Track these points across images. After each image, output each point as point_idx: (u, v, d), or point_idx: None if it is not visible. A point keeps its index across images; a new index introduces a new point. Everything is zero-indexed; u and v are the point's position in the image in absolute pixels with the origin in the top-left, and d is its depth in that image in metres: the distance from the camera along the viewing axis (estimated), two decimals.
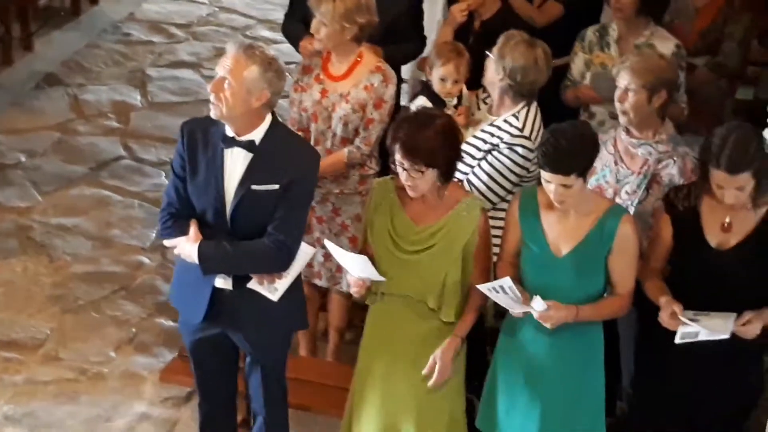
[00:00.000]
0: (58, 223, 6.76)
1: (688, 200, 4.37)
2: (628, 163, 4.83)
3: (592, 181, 4.85)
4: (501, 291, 4.20)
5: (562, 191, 4.15)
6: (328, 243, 4.41)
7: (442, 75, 5.25)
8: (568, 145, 4.12)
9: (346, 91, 5.16)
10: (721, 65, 5.97)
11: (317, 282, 5.45)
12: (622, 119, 4.80)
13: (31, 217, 6.79)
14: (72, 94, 8.13)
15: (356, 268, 4.39)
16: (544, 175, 4.17)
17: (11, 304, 6.07)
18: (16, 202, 6.89)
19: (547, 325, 4.21)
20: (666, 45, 5.51)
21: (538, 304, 4.18)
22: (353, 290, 4.48)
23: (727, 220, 4.28)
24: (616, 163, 4.83)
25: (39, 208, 6.87)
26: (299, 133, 5.11)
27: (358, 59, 5.19)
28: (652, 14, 5.57)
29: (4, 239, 6.56)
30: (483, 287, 4.25)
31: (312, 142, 5.19)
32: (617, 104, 4.78)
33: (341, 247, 4.80)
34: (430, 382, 4.41)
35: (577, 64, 5.68)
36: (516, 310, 4.26)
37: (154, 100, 8.19)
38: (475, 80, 5.28)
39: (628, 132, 4.82)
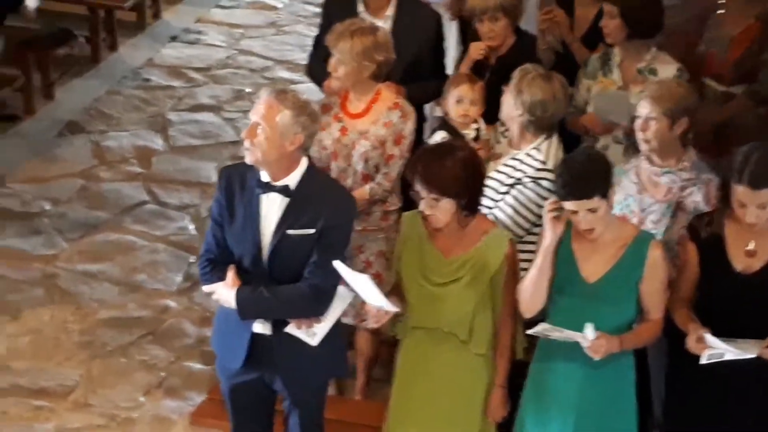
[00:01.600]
0: (83, 269, 6.78)
1: (711, 226, 4.36)
2: (651, 192, 4.82)
3: (615, 210, 4.84)
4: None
5: (590, 218, 4.16)
6: (336, 264, 4.41)
7: (457, 97, 5.28)
8: (583, 169, 4.14)
9: (366, 129, 5.18)
10: (759, 93, 5.89)
11: (343, 320, 5.44)
12: (644, 147, 4.79)
13: (56, 264, 6.81)
14: (94, 140, 8.17)
15: (366, 293, 4.38)
16: (569, 206, 4.17)
17: (40, 352, 6.08)
18: (42, 251, 6.91)
19: (596, 357, 4.19)
20: (668, 69, 5.52)
21: (590, 333, 4.16)
22: (371, 321, 4.48)
23: (752, 245, 4.27)
24: (639, 192, 4.84)
25: (64, 256, 6.89)
26: None
27: (377, 96, 5.22)
28: (644, 37, 5.55)
29: (30, 288, 6.58)
30: (534, 332, 4.27)
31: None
32: (639, 134, 4.78)
33: None
34: None
35: (581, 90, 5.68)
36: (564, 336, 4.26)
37: (175, 144, 8.22)
38: (492, 115, 5.28)
39: (650, 161, 4.82)
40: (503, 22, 5.61)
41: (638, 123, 4.77)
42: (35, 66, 8.49)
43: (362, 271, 5.28)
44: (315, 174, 4.41)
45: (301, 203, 4.30)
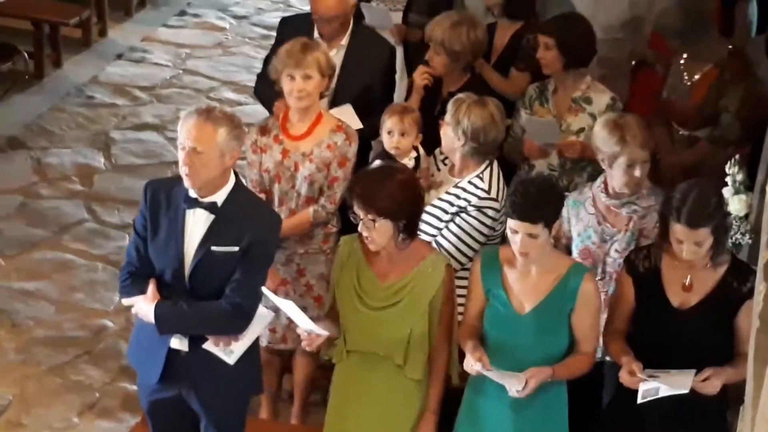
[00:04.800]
0: (20, 287, 6.71)
1: (648, 260, 4.41)
2: (612, 222, 4.88)
3: (577, 243, 4.92)
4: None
5: (528, 242, 4.18)
6: (264, 290, 4.40)
7: (388, 128, 5.29)
8: (538, 194, 4.17)
9: (309, 150, 5.18)
10: (722, 138, 5.94)
11: (282, 347, 5.43)
12: (625, 188, 4.81)
13: None
14: (35, 157, 8.10)
15: (295, 316, 4.38)
16: (511, 224, 4.20)
17: None
18: None
19: (525, 394, 4.20)
20: (602, 98, 5.61)
21: (518, 385, 4.19)
22: (303, 344, 4.47)
23: (688, 280, 4.32)
24: (599, 223, 4.89)
25: (1, 273, 6.81)
26: (261, 195, 5.13)
27: (319, 118, 5.22)
28: (579, 66, 5.63)
29: None
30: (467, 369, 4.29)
31: (276, 203, 5.21)
32: (622, 176, 4.79)
33: (306, 308, 4.81)
34: None
35: (519, 120, 5.73)
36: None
37: (118, 162, 8.18)
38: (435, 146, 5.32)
39: (607, 192, 4.86)
40: (443, 58, 5.66)
41: (622, 169, 4.78)
42: None
43: (303, 294, 5.30)
44: (242, 192, 4.41)
45: (226, 220, 4.29)
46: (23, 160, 8.06)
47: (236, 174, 4.39)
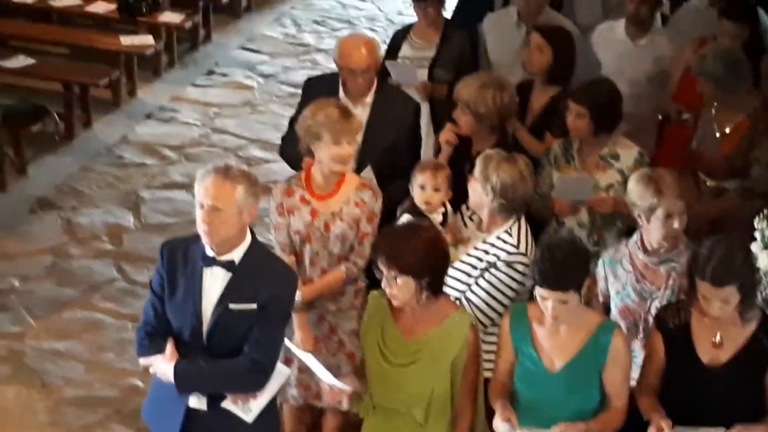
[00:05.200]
0: (51, 347, 6.72)
1: (678, 317, 4.37)
2: (651, 279, 4.84)
3: (616, 301, 4.88)
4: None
5: (559, 307, 4.17)
6: (286, 341, 4.38)
7: (420, 182, 5.31)
8: (565, 260, 4.15)
9: (339, 209, 5.18)
10: (752, 190, 5.91)
11: (317, 403, 5.40)
12: (663, 245, 4.78)
13: (24, 342, 6.75)
14: (65, 217, 8.15)
15: (317, 370, 4.38)
16: (541, 291, 4.19)
17: (4, 430, 5.99)
18: (10, 328, 6.86)
19: None
20: (630, 153, 5.61)
21: None
22: (325, 398, 4.45)
23: (718, 337, 4.28)
24: (638, 281, 4.84)
25: (32, 333, 6.84)
26: (291, 257, 5.14)
27: (343, 177, 5.23)
28: (609, 131, 5.64)
29: None
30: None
31: (307, 264, 5.22)
32: (659, 232, 4.76)
33: (339, 365, 4.80)
34: None
35: (545, 177, 5.72)
36: None
37: (147, 221, 8.22)
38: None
39: (644, 249, 4.83)
40: (469, 118, 5.66)
41: (658, 218, 4.74)
42: (9, 142, 8.50)
43: (335, 352, 5.29)
44: (258, 249, 4.43)
45: (244, 278, 4.31)
46: (53, 220, 8.11)
47: (252, 232, 4.41)
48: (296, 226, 5.20)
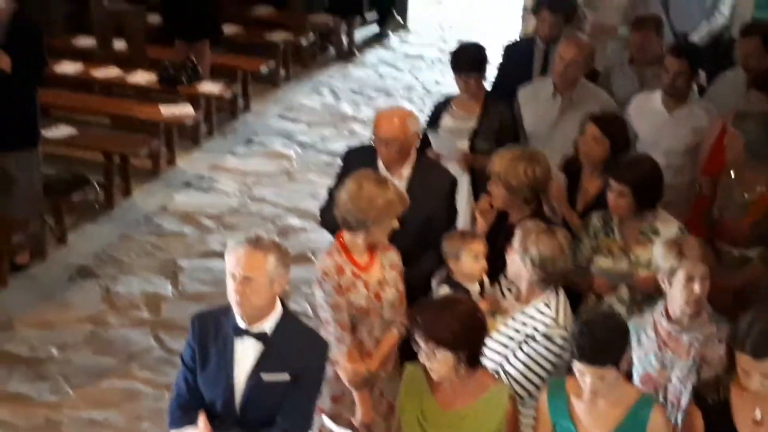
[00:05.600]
0: (88, 416, 6.73)
1: (717, 393, 4.33)
2: (673, 348, 4.82)
3: (638, 368, 4.86)
4: None
5: (598, 383, 4.15)
6: (324, 418, 4.38)
7: (456, 252, 5.34)
8: (603, 337, 4.14)
9: (382, 276, 5.23)
10: None
11: None
12: (687, 309, 4.76)
13: (62, 411, 6.76)
14: (104, 286, 8.21)
15: None
16: (579, 366, 4.17)
17: None
18: (48, 397, 6.88)
19: None
20: (670, 228, 5.59)
21: None
22: None
23: (758, 414, 4.23)
24: (660, 349, 4.82)
25: (69, 402, 6.86)
26: (348, 336, 5.14)
27: (372, 243, 5.25)
28: (650, 208, 5.64)
29: None
30: None
31: (365, 336, 5.23)
32: (681, 295, 4.74)
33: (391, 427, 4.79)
34: None
35: (583, 249, 5.71)
36: None
37: (185, 290, 8.26)
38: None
39: (668, 317, 4.81)
40: (501, 191, 5.65)
41: (679, 281, 4.73)
42: (49, 211, 8.60)
43: (386, 416, 5.28)
44: (290, 319, 4.46)
45: (276, 348, 4.33)
46: (92, 288, 8.17)
47: (282, 301, 4.43)
48: (358, 302, 5.19)
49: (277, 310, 4.39)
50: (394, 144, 5.77)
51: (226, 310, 4.37)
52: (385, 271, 5.24)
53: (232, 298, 4.29)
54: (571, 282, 5.43)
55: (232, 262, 4.29)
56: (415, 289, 5.41)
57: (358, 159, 5.91)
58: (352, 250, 5.23)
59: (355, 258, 5.24)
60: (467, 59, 7.03)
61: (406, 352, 4.92)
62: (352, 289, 5.18)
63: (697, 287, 4.71)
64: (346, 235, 5.23)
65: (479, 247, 5.35)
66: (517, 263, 4.98)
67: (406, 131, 5.80)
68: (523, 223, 5.11)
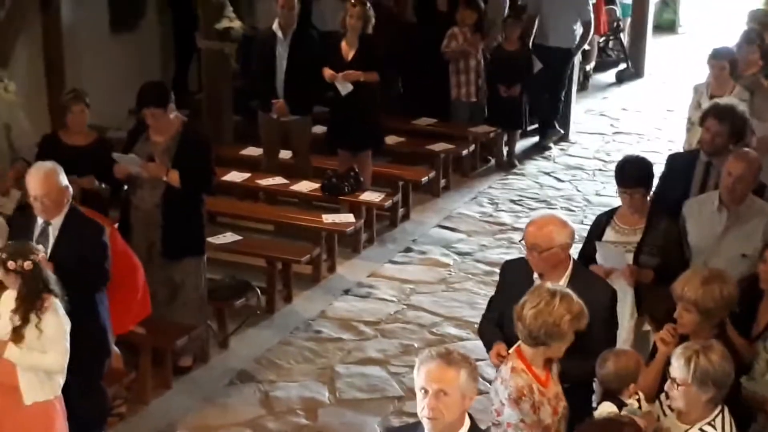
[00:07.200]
0: None
1: None
2: None
3: None
4: None
5: None
6: None
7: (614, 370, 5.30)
8: None
9: (557, 390, 5.25)
10: None
11: None
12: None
13: None
14: (263, 390, 8.32)
15: None
16: None
17: None
18: None
19: None
20: None
21: None
22: None
23: None
24: None
25: None
26: None
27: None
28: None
29: None
30: None
31: None
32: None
33: None
34: None
35: (757, 373, 5.57)
36: None
37: (342, 396, 8.29)
38: None
39: None
40: (694, 316, 5.51)
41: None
42: (213, 316, 8.81)
43: None
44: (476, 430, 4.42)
45: None
46: (252, 393, 8.28)
47: (471, 416, 4.40)
48: (546, 421, 5.13)
49: (466, 425, 4.39)
50: (534, 250, 5.73)
51: (415, 426, 4.39)
52: (557, 385, 5.21)
53: (422, 413, 4.31)
54: (743, 399, 5.29)
55: (422, 376, 4.32)
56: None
57: (516, 272, 5.89)
58: (533, 365, 5.17)
59: (537, 373, 5.17)
60: (632, 174, 6.96)
61: None
62: (541, 408, 5.10)
63: None
64: (528, 351, 5.17)
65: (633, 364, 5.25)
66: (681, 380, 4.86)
67: (550, 240, 5.73)
68: (685, 344, 4.99)
